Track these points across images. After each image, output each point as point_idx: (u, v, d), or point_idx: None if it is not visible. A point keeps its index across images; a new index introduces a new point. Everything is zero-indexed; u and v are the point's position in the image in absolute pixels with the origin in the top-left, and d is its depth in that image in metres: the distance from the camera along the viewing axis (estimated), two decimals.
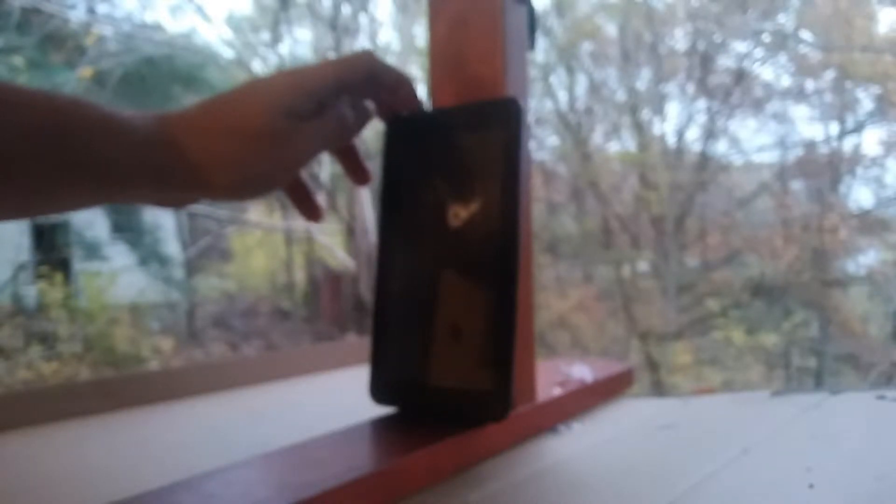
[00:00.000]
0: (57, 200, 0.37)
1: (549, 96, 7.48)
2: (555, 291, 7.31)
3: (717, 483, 0.43)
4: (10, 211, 0.35)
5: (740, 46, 6.79)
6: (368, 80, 0.45)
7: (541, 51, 7.07)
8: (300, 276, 8.61)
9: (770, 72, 6.97)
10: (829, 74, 6.63)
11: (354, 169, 0.51)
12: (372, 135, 6.99)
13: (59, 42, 5.86)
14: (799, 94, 6.87)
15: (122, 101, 6.11)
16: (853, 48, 6.16)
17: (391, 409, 0.52)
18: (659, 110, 7.30)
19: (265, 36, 7.45)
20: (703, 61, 6.84)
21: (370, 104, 0.49)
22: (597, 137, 7.73)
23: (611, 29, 7.53)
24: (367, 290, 6.84)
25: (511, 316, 0.45)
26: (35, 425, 0.63)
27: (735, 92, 6.82)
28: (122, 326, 6.41)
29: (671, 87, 7.26)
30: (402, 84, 0.47)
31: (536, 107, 7.20)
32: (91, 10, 6.31)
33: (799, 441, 0.50)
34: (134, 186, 0.38)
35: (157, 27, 6.82)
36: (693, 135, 7.21)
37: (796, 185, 7.24)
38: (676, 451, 0.50)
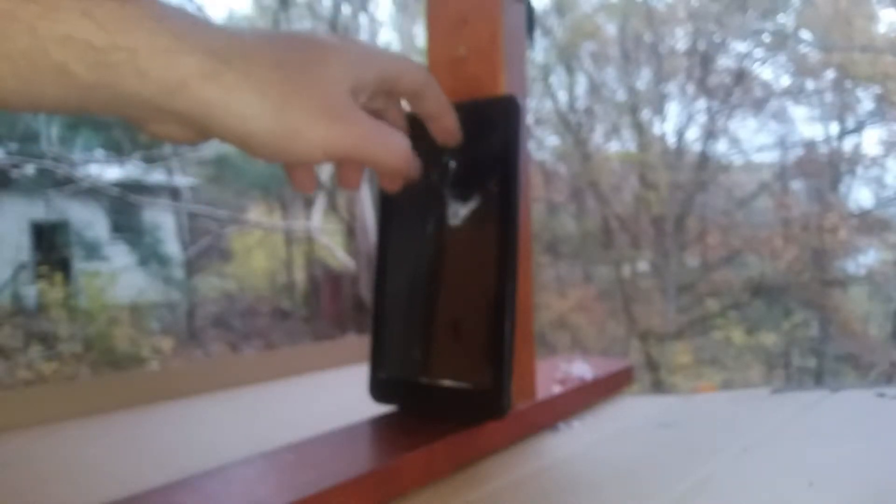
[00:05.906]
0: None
1: (549, 96, 7.48)
2: (555, 291, 7.31)
3: (717, 481, 0.43)
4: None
5: (740, 46, 6.80)
6: (414, 95, 0.42)
7: (541, 51, 7.07)
8: (300, 276, 8.60)
9: (770, 72, 6.98)
10: (829, 74, 6.63)
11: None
12: None
13: None
14: (799, 94, 6.87)
15: None
16: (853, 48, 6.16)
17: (390, 407, 0.52)
18: (659, 110, 7.30)
19: None
20: (703, 61, 6.85)
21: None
22: (597, 137, 7.74)
23: (611, 29, 7.54)
24: (367, 290, 6.84)
25: (510, 314, 0.45)
26: (35, 425, 0.63)
27: (735, 92, 6.82)
28: (122, 326, 6.42)
29: (671, 87, 7.26)
30: (445, 114, 0.44)
31: (536, 107, 7.20)
32: None
33: (799, 439, 0.50)
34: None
35: None
36: (693, 135, 7.22)
37: (796, 185, 7.25)
38: (676, 449, 0.50)
